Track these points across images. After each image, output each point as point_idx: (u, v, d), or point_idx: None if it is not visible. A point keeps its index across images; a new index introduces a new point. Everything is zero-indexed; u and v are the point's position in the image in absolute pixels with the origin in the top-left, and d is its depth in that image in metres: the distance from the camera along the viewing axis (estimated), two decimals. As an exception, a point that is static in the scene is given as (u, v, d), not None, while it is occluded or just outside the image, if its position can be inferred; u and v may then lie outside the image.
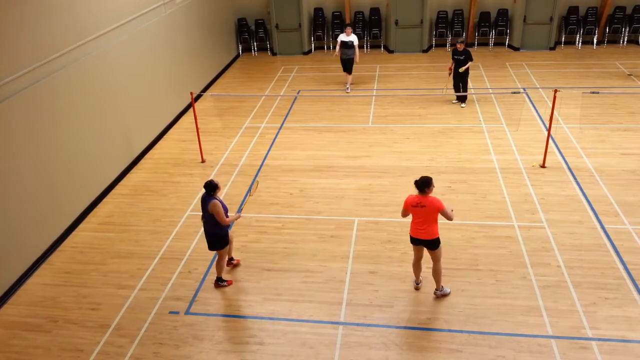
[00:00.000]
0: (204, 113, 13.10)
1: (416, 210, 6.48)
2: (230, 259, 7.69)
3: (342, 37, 13.47)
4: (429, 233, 6.50)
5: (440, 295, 6.95)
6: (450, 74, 12.76)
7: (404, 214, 6.72)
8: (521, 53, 16.56)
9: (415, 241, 6.71)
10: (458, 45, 12.32)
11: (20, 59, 7.74)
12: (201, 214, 7.02)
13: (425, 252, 6.85)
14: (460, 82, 12.65)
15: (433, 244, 6.59)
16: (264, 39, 17.88)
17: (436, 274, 6.84)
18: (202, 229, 7.24)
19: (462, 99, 12.75)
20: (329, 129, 12.03)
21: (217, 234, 6.95)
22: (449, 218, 6.49)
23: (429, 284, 7.15)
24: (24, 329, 6.84)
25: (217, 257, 7.25)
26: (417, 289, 7.15)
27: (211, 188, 6.77)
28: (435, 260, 6.74)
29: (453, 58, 12.50)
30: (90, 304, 7.18)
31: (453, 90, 12.92)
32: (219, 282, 7.33)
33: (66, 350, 6.46)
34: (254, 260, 7.84)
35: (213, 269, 7.63)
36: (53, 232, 8.45)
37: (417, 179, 6.42)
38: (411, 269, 7.25)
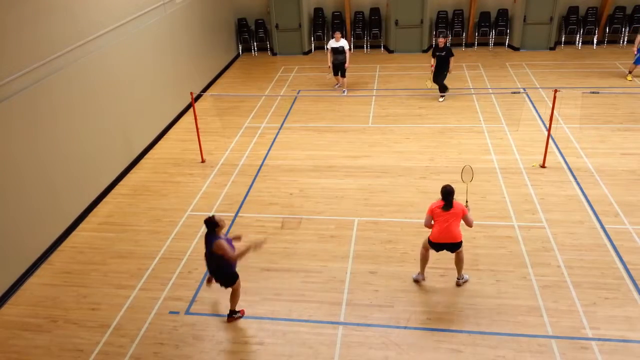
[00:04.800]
0: (204, 113, 13.10)
1: (443, 216, 6.58)
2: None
3: (332, 44, 13.45)
4: (454, 237, 6.66)
5: (463, 282, 7.14)
6: (432, 72, 12.92)
7: (428, 221, 6.75)
8: (521, 53, 16.56)
9: (438, 247, 6.81)
10: (440, 40, 12.43)
11: (20, 59, 7.74)
12: (204, 251, 6.41)
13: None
14: (440, 78, 12.83)
15: (457, 246, 6.78)
16: (264, 39, 17.88)
17: (459, 262, 7.02)
18: (206, 262, 6.51)
19: (441, 90, 12.90)
20: (329, 129, 12.02)
21: (228, 271, 6.40)
22: (469, 223, 6.67)
23: (427, 284, 7.16)
24: (24, 329, 6.84)
25: (231, 292, 6.63)
26: (422, 280, 7.21)
27: (212, 225, 6.16)
28: (458, 252, 6.93)
29: (434, 55, 12.65)
30: (90, 304, 7.18)
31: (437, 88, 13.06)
32: (234, 315, 6.76)
33: (66, 350, 6.46)
34: (254, 260, 7.83)
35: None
36: (53, 232, 8.45)
37: (443, 188, 6.57)
38: (411, 269, 7.26)
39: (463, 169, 7.48)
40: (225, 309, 6.93)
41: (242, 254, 6.22)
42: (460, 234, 6.71)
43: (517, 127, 11.50)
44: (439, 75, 12.85)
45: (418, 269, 7.31)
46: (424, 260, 7.11)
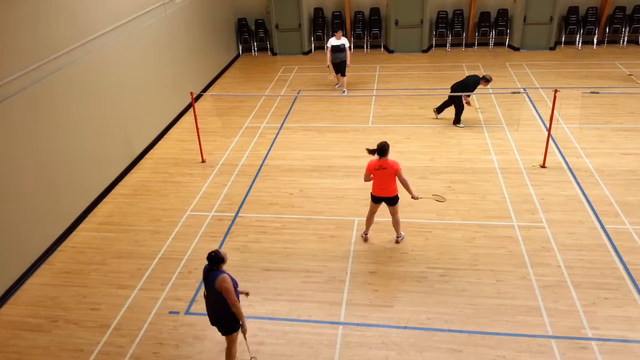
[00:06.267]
0: (204, 113, 13.11)
1: (378, 172, 7.40)
2: None
3: (333, 42, 13.41)
4: (389, 191, 7.49)
5: (401, 240, 8.00)
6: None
7: (367, 178, 7.59)
8: (521, 53, 16.56)
9: (377, 199, 7.66)
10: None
11: (20, 59, 7.74)
12: (204, 291, 5.72)
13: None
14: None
15: (393, 200, 7.60)
16: (264, 39, 17.88)
17: (397, 224, 7.88)
18: (205, 302, 5.77)
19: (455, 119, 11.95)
20: (329, 129, 12.03)
21: (229, 314, 5.57)
22: (403, 179, 7.41)
23: (428, 283, 7.16)
24: (24, 329, 6.84)
25: (227, 343, 5.89)
26: (365, 239, 8.09)
27: (216, 261, 5.44)
28: (395, 213, 7.76)
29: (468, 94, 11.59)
30: (90, 304, 7.18)
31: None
32: None
33: (66, 350, 6.46)
34: (254, 260, 7.84)
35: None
36: (53, 232, 8.45)
37: (378, 144, 7.35)
38: (411, 269, 7.27)
39: (437, 197, 8.18)
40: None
41: (240, 312, 5.52)
42: (396, 190, 7.50)
43: (517, 127, 11.50)
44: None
45: (417, 268, 7.42)
46: (368, 221, 8.00)
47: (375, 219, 8.61)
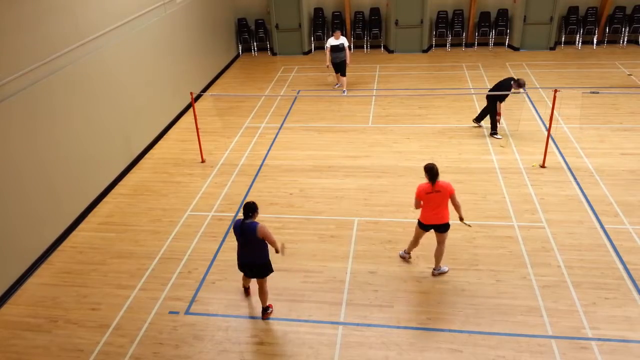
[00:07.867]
0: (204, 113, 13.11)
1: (431, 196, 6.68)
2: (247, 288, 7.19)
3: (332, 42, 13.40)
4: (443, 217, 6.80)
5: (438, 274, 7.29)
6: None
7: (418, 204, 6.89)
8: (521, 53, 16.57)
9: (427, 227, 6.95)
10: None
11: (19, 59, 7.74)
12: (238, 244, 6.41)
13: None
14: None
15: (445, 227, 6.90)
16: (264, 39, 17.88)
17: (440, 254, 7.16)
18: (240, 254, 6.47)
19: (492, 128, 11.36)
20: (329, 129, 12.03)
21: (267, 260, 6.49)
22: (456, 202, 6.75)
23: (428, 283, 7.16)
24: (24, 329, 6.84)
25: (259, 286, 6.67)
26: (408, 260, 7.58)
27: (253, 210, 6.18)
28: (442, 242, 7.06)
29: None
30: (90, 304, 7.18)
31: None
32: (267, 311, 6.78)
33: (66, 350, 6.46)
34: (254, 260, 7.84)
35: (215, 270, 7.64)
36: (53, 232, 8.45)
37: (427, 166, 6.66)
38: (411, 269, 7.27)
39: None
40: (225, 308, 6.93)
41: (276, 243, 6.35)
42: (448, 216, 6.85)
43: (517, 127, 11.50)
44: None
45: (417, 268, 7.40)
46: (413, 246, 7.39)
47: (375, 218, 8.64)
